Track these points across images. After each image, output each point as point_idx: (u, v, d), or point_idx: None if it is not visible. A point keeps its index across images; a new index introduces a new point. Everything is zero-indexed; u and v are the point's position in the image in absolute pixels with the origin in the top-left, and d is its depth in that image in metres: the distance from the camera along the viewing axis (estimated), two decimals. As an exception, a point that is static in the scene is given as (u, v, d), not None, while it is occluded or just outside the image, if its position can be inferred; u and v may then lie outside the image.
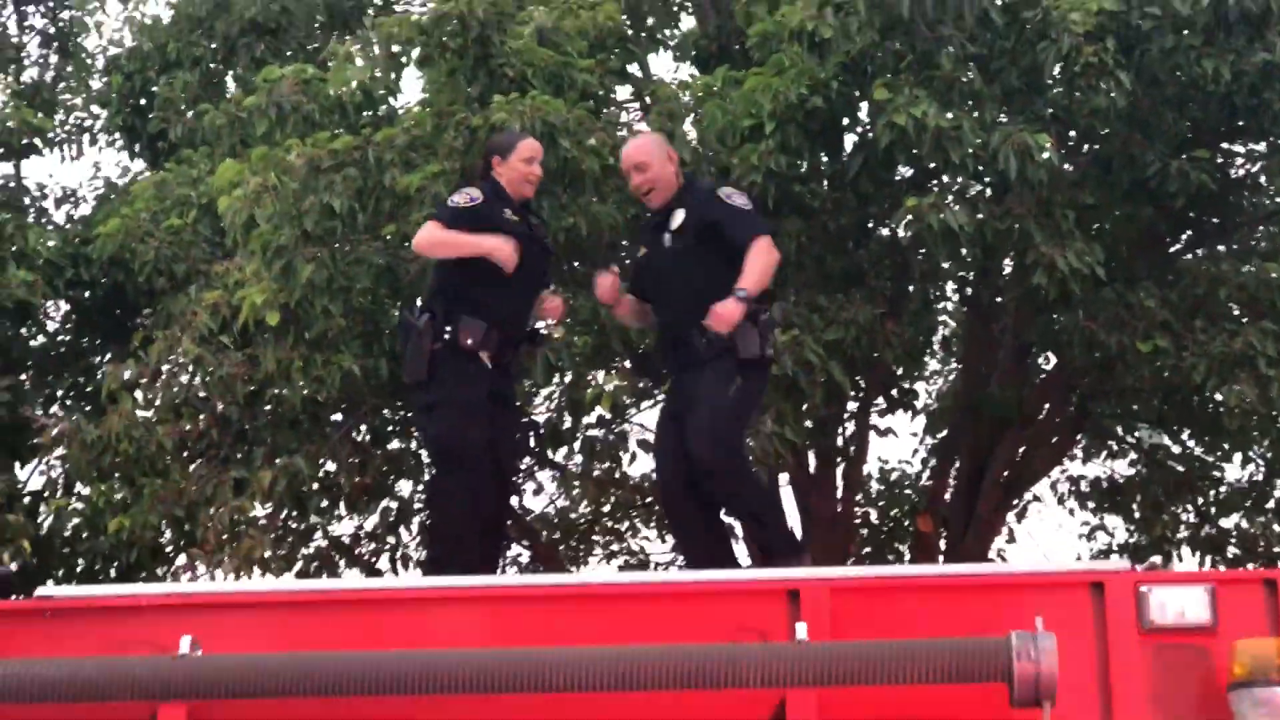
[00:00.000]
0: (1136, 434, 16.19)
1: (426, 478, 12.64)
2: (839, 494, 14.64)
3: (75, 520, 13.88)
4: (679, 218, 8.25)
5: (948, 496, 15.10)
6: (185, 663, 5.87)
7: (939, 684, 5.63)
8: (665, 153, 8.46)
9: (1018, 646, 5.58)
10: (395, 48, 12.64)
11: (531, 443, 12.03)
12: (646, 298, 8.57)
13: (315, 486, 12.46)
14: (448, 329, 8.15)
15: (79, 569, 14.11)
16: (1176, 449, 15.92)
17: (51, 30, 19.55)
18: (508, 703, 5.71)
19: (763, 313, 8.12)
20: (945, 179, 11.83)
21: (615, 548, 16.83)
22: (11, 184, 17.25)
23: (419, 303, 8.68)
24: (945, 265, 12.82)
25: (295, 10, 15.43)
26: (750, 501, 8.27)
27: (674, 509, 8.55)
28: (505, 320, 8.27)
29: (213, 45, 15.44)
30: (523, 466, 15.09)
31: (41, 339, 16.07)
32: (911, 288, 13.23)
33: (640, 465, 14.17)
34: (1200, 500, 16.24)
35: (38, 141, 16.76)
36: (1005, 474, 14.77)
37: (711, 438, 7.98)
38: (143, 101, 15.87)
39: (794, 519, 14.48)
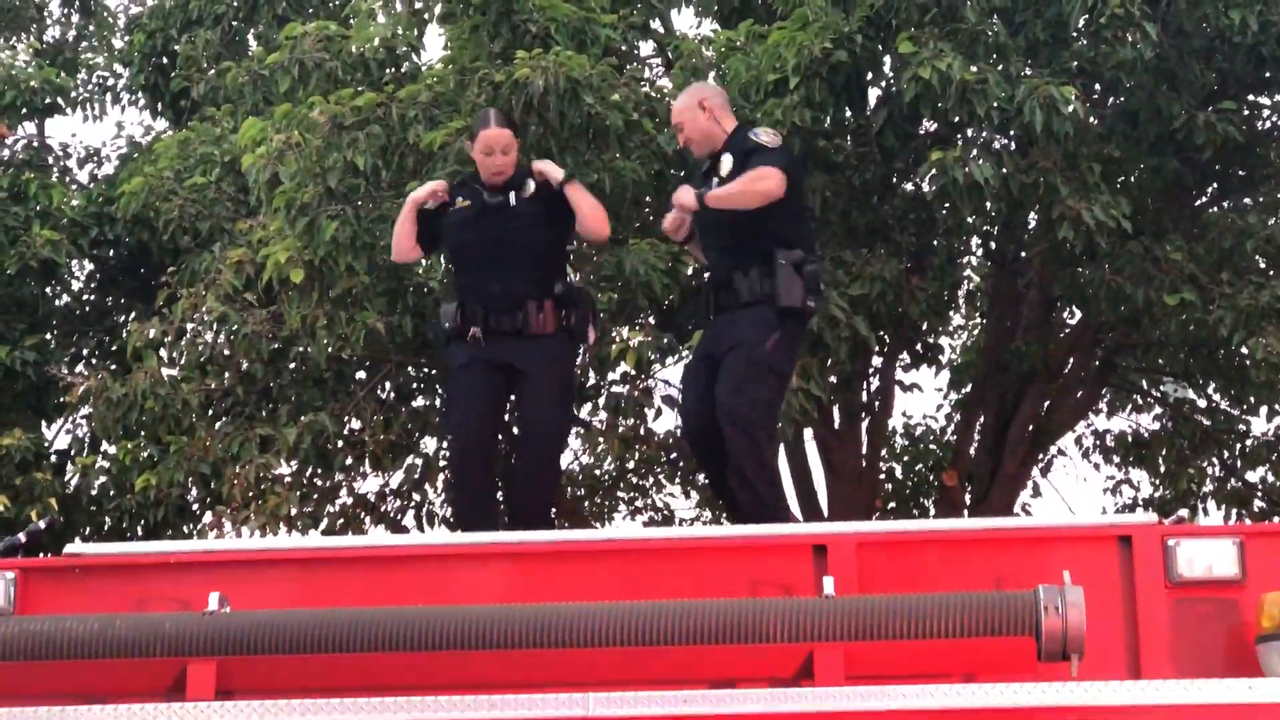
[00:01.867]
0: (1162, 388, 16.17)
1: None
2: (864, 449, 14.64)
3: (102, 478, 13.94)
4: (726, 163, 8.23)
5: (973, 451, 15.10)
6: (213, 619, 5.90)
7: (966, 638, 5.64)
8: (696, 104, 8.44)
9: (1045, 600, 5.58)
10: (418, 4, 12.64)
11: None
12: (702, 241, 8.57)
13: (340, 444, 12.50)
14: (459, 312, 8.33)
15: (106, 527, 14.17)
16: (1202, 402, 15.90)
17: (74, -11, 19.56)
18: (533, 657, 5.72)
19: (809, 262, 8.10)
20: (970, 133, 11.79)
21: (640, 504, 16.85)
22: (35, 144, 17.29)
23: None
24: (970, 219, 12.77)
25: (318, -35, 15.43)
26: (752, 467, 8.18)
27: (703, 451, 8.47)
28: (477, 294, 8.28)
29: (234, 2, 15.44)
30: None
31: (66, 298, 16.11)
32: (936, 242, 13.20)
33: (665, 421, 14.17)
34: (1226, 454, 16.22)
35: (60, 101, 16.78)
36: (1030, 428, 14.77)
37: (741, 389, 7.96)
38: (165, 60, 15.89)
39: (818, 475, 14.53)
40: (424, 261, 11.81)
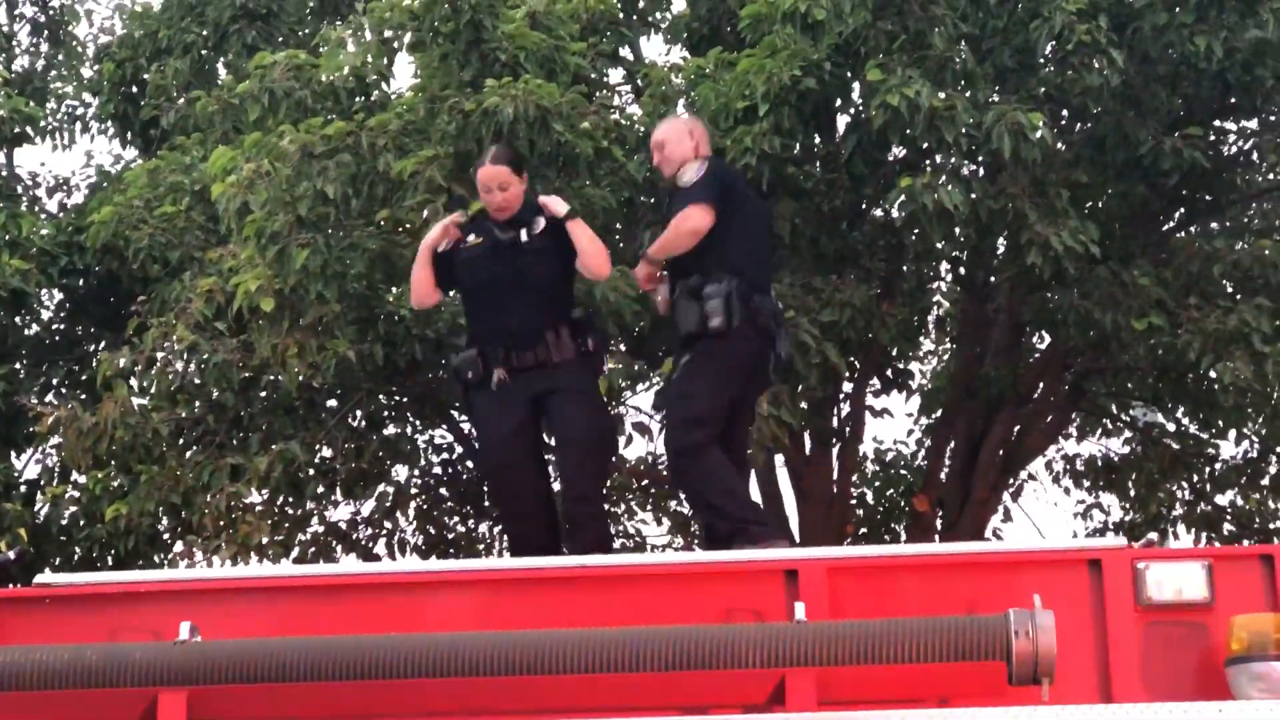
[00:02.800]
0: (1131, 412, 16.19)
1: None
2: (835, 475, 14.65)
3: (72, 508, 13.88)
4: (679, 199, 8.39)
5: (943, 476, 15.10)
6: (185, 648, 5.88)
7: (937, 663, 5.64)
8: (687, 131, 8.55)
9: (1016, 624, 5.59)
10: (387, 33, 12.62)
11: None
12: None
13: (311, 472, 12.46)
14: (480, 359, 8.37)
15: (76, 557, 14.11)
16: (1171, 427, 15.92)
17: (42, 18, 19.56)
18: (506, 685, 5.72)
19: (706, 284, 8.19)
20: (939, 159, 11.82)
21: (612, 530, 16.81)
22: (4, 173, 17.25)
23: None
24: (939, 245, 12.79)
25: (285, -2, 15.44)
26: (697, 476, 8.26)
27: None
28: (495, 332, 8.30)
29: (204, 32, 15.44)
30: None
31: (36, 327, 16.05)
32: (906, 268, 13.24)
33: (637, 448, 14.17)
34: (1195, 477, 16.24)
35: (29, 130, 16.71)
36: (1000, 453, 14.79)
37: (668, 422, 8.19)
38: (134, 89, 15.87)
39: (789, 501, 14.53)
40: (395, 289, 11.81)
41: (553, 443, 8.84)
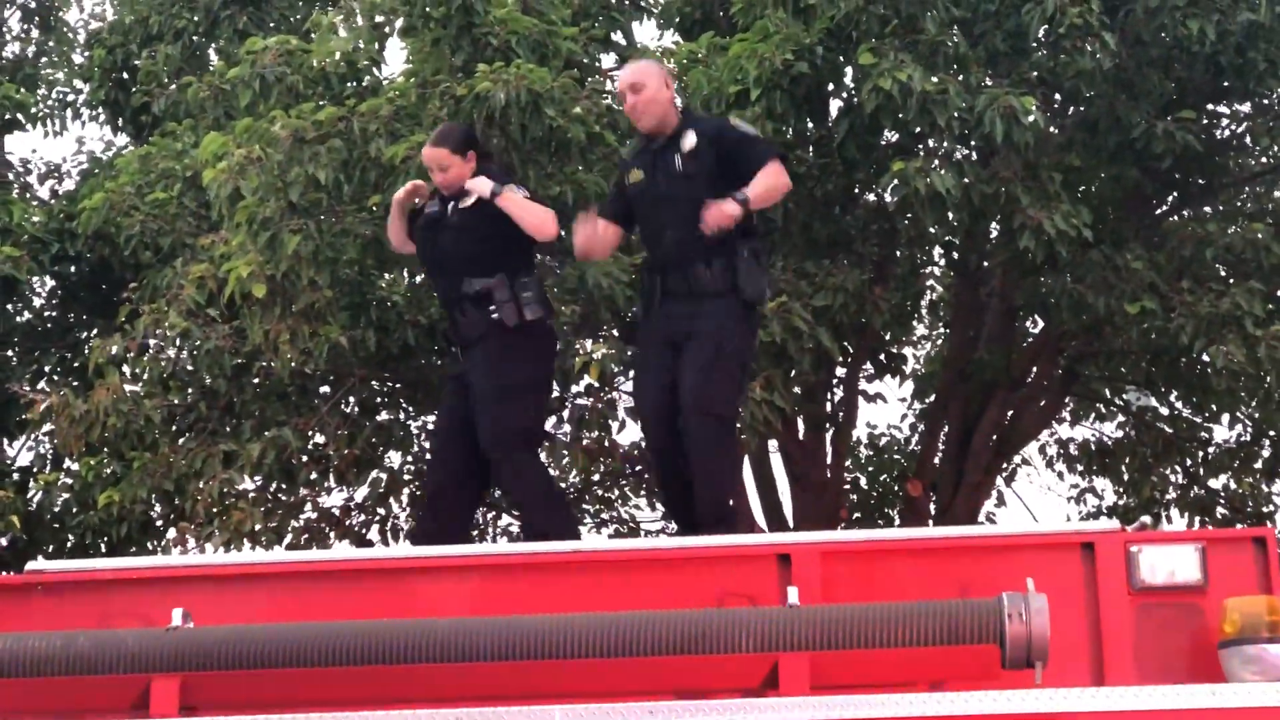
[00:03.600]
0: (1124, 396, 16.21)
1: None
2: (828, 459, 14.66)
3: (64, 495, 13.88)
4: (690, 139, 7.96)
5: (937, 461, 15.13)
6: (177, 635, 5.88)
7: (931, 647, 5.65)
8: (663, 78, 8.31)
9: (1009, 608, 5.60)
10: (378, 18, 12.61)
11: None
12: (644, 224, 8.28)
13: (304, 458, 12.47)
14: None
15: (69, 544, 14.12)
16: (1164, 410, 15.95)
17: (33, 4, 19.54)
18: (498, 670, 5.72)
19: (764, 251, 8.01)
20: (931, 143, 11.82)
21: (605, 516, 16.82)
22: (-7, 159, 17.25)
23: None
24: (932, 230, 12.81)
25: (277, -17, 15.42)
26: (708, 461, 8.06)
27: (666, 451, 8.15)
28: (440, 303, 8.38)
29: (195, 18, 15.42)
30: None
31: (28, 314, 16.06)
32: (899, 253, 13.26)
33: (629, 434, 14.15)
34: (1188, 461, 16.27)
35: (20, 117, 16.73)
36: (994, 437, 14.80)
37: (705, 386, 7.74)
38: (125, 75, 15.86)
39: (783, 485, 14.55)
40: (387, 275, 11.82)
41: None
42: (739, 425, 8.32)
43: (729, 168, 7.89)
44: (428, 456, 8.66)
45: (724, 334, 7.82)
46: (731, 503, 8.05)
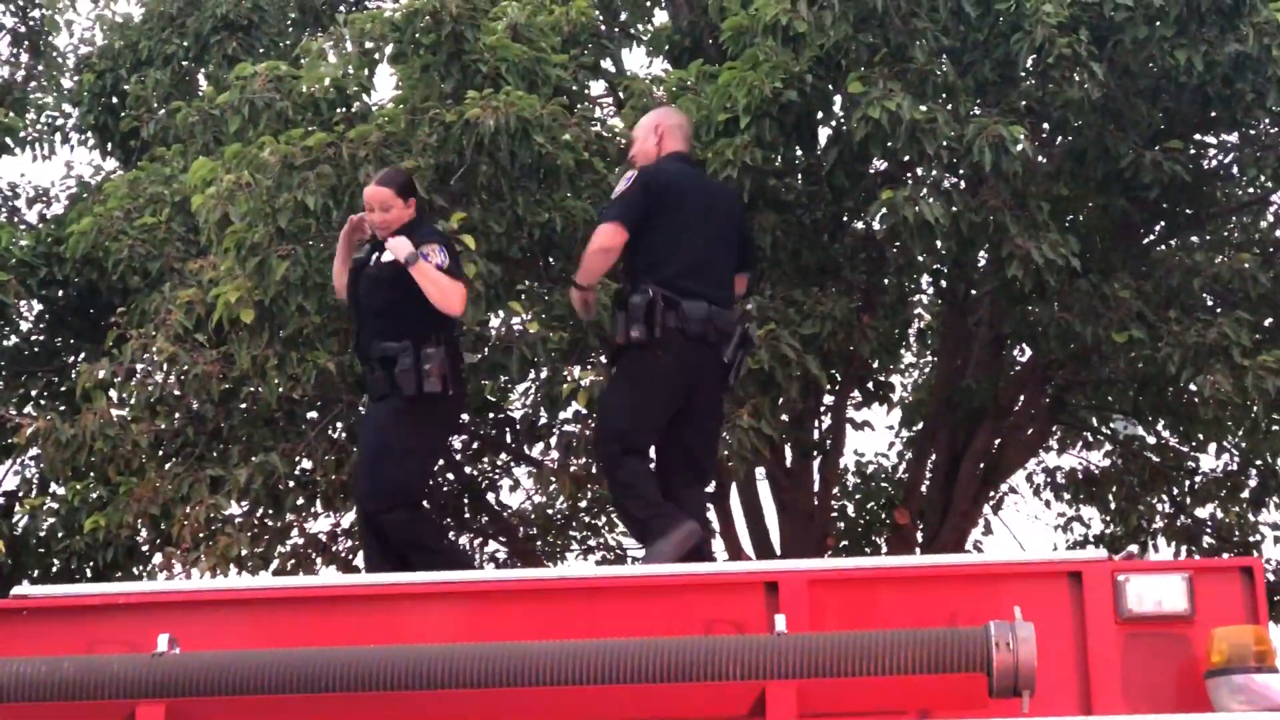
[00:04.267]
0: (1111, 425, 16.23)
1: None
2: (816, 487, 14.66)
3: (50, 520, 13.88)
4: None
5: (924, 489, 15.13)
6: (163, 661, 5.87)
7: (918, 675, 5.65)
8: (652, 127, 8.49)
9: (996, 636, 5.60)
10: (368, 44, 12.61)
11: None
12: None
13: (291, 484, 12.45)
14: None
15: (55, 569, 14.09)
16: (1151, 439, 15.97)
17: (22, 29, 19.49)
18: (484, 697, 5.71)
19: (632, 294, 8.27)
20: (920, 172, 11.83)
21: (593, 542, 16.82)
22: (-17, 185, 17.25)
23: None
24: (920, 258, 12.82)
25: (267, 7, 15.43)
26: (614, 486, 8.30)
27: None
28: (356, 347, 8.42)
29: (184, 43, 15.43)
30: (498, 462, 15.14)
31: (15, 339, 16.03)
32: (887, 280, 13.26)
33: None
34: (1175, 490, 16.28)
35: (9, 141, 16.73)
36: (981, 466, 14.81)
37: (597, 431, 8.16)
38: (114, 100, 15.86)
39: (770, 513, 14.55)
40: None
41: None
42: (617, 454, 8.44)
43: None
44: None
45: (610, 381, 8.70)
46: (644, 516, 8.22)
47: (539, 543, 15.90)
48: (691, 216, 8.70)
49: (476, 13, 11.81)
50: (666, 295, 8.34)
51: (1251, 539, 15.73)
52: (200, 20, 15.34)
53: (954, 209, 11.37)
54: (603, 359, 12.75)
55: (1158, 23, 11.22)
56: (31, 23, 19.43)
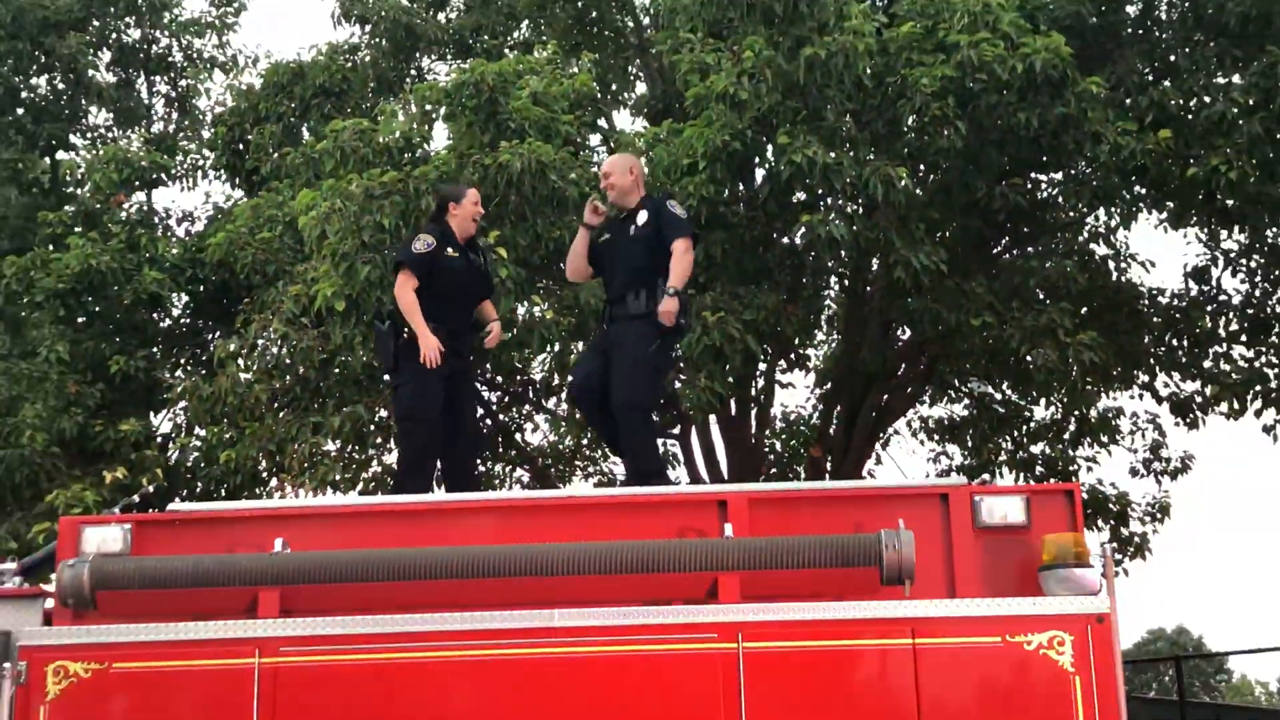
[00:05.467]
0: (969, 385, 16.22)
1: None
2: (753, 430, 14.68)
3: (194, 454, 13.85)
4: (643, 217, 8.01)
5: (831, 431, 15.13)
6: (278, 558, 5.87)
7: (829, 568, 5.65)
8: (628, 166, 8.24)
9: (885, 540, 5.61)
10: (427, 107, 12.60)
11: (480, 411, 11.53)
12: (602, 268, 8.26)
13: (372, 428, 12.44)
14: (405, 331, 7.99)
15: (198, 490, 14.07)
16: (998, 396, 15.96)
17: (173, 95, 19.48)
18: (512, 584, 5.71)
19: (684, 292, 7.91)
20: (830, 201, 11.84)
21: (591, 470, 16.83)
22: (145, 209, 17.17)
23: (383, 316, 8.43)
24: (829, 264, 12.83)
25: (353, 79, 15.38)
26: (635, 440, 7.91)
27: (585, 407, 8.35)
28: (449, 325, 8.05)
29: (292, 104, 15.39)
30: (517, 415, 15.12)
31: (168, 321, 15.99)
32: (805, 281, 13.25)
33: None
34: (1015, 434, 16.28)
35: (163, 176, 16.69)
36: (873, 415, 14.83)
37: (628, 384, 7.76)
38: (240, 146, 15.81)
39: (720, 448, 14.54)
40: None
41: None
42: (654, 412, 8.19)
43: (661, 233, 7.90)
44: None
45: (639, 349, 7.79)
46: (653, 467, 7.95)
47: (552, 470, 15.90)
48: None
49: (507, 84, 11.81)
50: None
51: (1071, 469, 15.75)
52: (304, 88, 15.30)
53: (854, 228, 11.38)
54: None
55: (1005, 91, 11.22)
56: (180, 90, 19.41)
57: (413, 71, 16.02)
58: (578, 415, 13.19)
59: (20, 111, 18.62)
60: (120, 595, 5.81)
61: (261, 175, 14.93)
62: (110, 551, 5.97)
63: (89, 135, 19.41)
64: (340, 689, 5.63)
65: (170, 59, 19.44)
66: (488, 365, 12.78)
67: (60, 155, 19.10)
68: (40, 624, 5.93)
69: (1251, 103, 11.96)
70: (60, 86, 18.88)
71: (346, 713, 5.61)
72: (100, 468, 13.61)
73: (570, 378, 8.88)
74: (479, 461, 14.66)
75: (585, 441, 16.02)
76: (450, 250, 8.14)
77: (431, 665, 5.63)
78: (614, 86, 15.68)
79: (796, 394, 16.39)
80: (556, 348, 12.74)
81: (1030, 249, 13.89)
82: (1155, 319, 14.59)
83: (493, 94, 11.73)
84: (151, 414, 15.25)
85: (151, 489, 12.72)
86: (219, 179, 17.33)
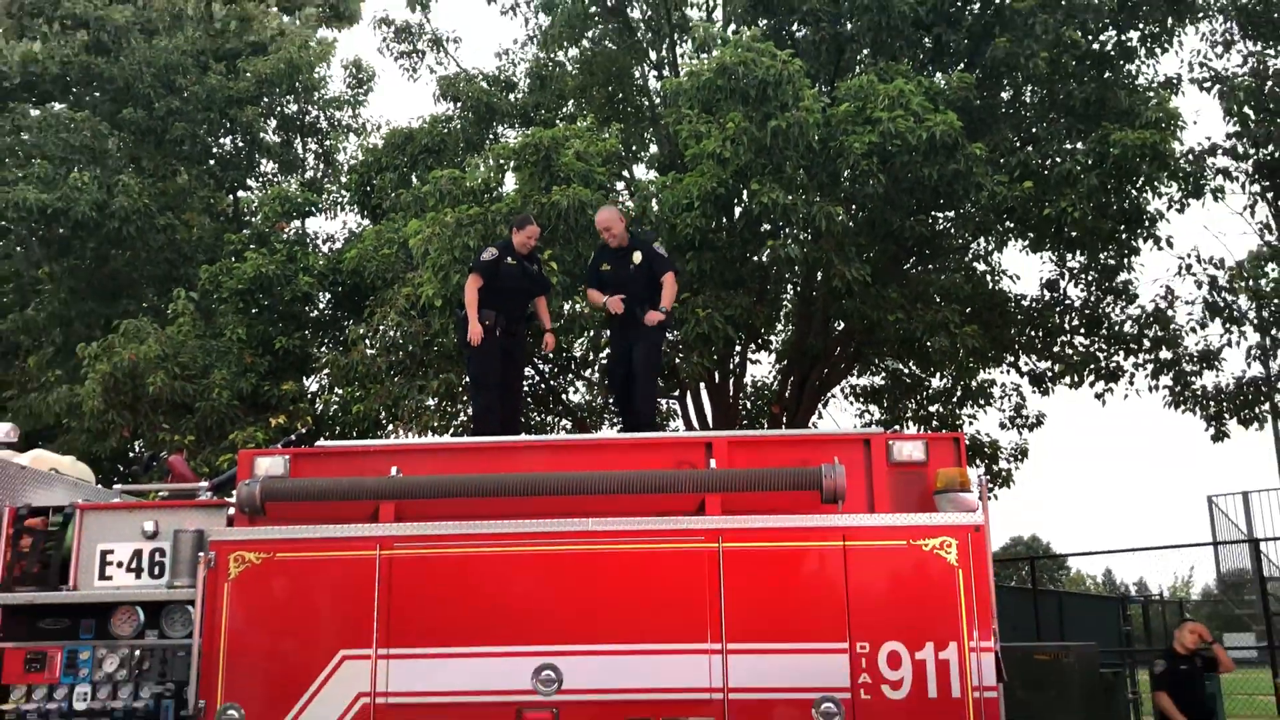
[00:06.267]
0: (885, 363, 16.18)
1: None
2: (731, 394, 14.66)
3: (334, 406, 13.87)
4: (638, 257, 8.24)
5: (787, 395, 15.11)
6: (394, 480, 5.89)
7: (785, 491, 5.66)
8: (618, 217, 8.39)
9: (825, 471, 5.62)
10: (501, 161, 12.56)
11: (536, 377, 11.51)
12: (603, 287, 8.36)
13: (460, 390, 12.45)
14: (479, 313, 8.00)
15: (337, 432, 14.11)
16: (906, 370, 15.91)
17: (320, 151, 19.47)
18: (560, 501, 5.74)
19: (670, 310, 8.19)
20: (787, 231, 11.80)
21: (616, 422, 16.79)
22: (300, 232, 17.21)
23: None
24: (787, 276, 12.80)
25: (448, 141, 15.35)
26: (644, 401, 8.15)
27: (616, 390, 8.46)
28: (506, 313, 8.08)
29: (405, 159, 15.35)
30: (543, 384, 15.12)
31: (316, 313, 16.01)
32: (769, 288, 13.21)
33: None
34: (918, 398, 16.25)
35: (313, 209, 16.68)
36: (818, 384, 14.79)
37: (644, 368, 8.02)
38: (369, 189, 15.80)
39: (707, 406, 14.50)
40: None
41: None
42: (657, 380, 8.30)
43: (653, 268, 8.16)
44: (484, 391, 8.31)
45: (651, 347, 8.10)
46: (651, 417, 8.14)
47: (587, 420, 15.91)
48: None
49: (558, 145, 11.76)
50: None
51: (958, 423, 15.71)
52: (413, 147, 15.26)
53: (805, 251, 11.35)
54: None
55: (913, 153, 11.18)
56: (325, 147, 19.41)
57: (490, 136, 15.97)
58: (606, 383, 13.15)
59: (211, 162, 18.65)
60: (282, 505, 5.85)
61: (383, 209, 14.92)
62: (275, 475, 6.01)
63: (260, 180, 19.42)
64: (437, 574, 5.66)
65: (318, 125, 19.44)
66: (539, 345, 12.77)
67: (240, 194, 19.14)
68: (224, 525, 5.97)
69: (1090, 162, 11.91)
70: (240, 145, 18.90)
71: (440, 591, 5.64)
72: (268, 416, 13.66)
73: (605, 361, 9.02)
74: (525, 415, 14.77)
75: (610, 401, 16.01)
76: (510, 259, 8.19)
77: (500, 557, 5.66)
78: (634, 147, 15.61)
79: (762, 368, 16.43)
80: (591, 333, 12.73)
81: (931, 266, 13.85)
82: (1019, 317, 14.52)
83: (547, 152, 11.69)
84: (304, 378, 15.30)
85: (304, 431, 12.76)
86: (353, 211, 17.37)
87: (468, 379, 8.72)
